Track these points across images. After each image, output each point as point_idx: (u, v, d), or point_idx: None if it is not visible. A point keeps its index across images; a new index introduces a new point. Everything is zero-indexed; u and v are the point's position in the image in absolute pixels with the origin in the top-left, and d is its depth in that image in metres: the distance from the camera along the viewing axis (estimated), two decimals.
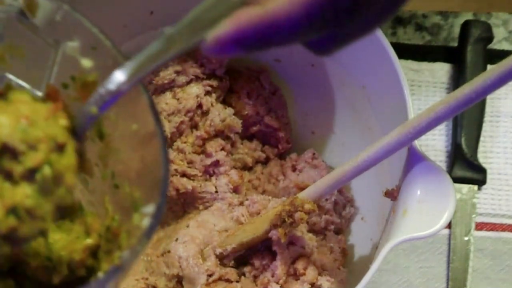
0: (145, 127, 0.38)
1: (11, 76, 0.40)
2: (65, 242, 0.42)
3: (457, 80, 0.68)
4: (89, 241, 0.42)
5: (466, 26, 0.68)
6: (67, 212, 0.41)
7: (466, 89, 0.42)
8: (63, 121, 0.37)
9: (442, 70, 0.69)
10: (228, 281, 0.58)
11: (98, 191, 0.44)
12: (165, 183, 0.38)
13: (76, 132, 0.38)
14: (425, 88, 0.69)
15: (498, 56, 0.68)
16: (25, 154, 0.35)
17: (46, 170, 0.36)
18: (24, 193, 0.35)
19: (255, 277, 0.59)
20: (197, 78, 0.63)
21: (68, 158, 0.37)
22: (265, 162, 0.66)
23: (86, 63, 0.39)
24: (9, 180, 0.35)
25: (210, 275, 0.58)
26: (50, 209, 0.37)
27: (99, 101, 0.36)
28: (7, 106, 0.36)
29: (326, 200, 0.61)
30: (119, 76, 0.36)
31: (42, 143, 0.36)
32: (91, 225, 0.42)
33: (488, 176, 0.66)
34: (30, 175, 0.35)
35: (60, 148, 0.36)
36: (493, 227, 0.66)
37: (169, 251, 0.59)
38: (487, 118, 0.68)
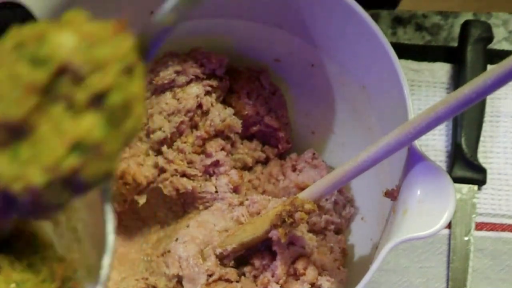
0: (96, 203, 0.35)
1: None
2: (32, 284, 0.38)
3: (457, 80, 0.68)
4: (53, 287, 0.39)
5: (466, 26, 0.68)
6: (39, 246, 0.38)
7: (466, 89, 0.42)
8: (130, 40, 0.32)
9: (442, 70, 0.69)
10: (228, 281, 0.58)
11: (65, 238, 0.42)
12: (104, 274, 0.33)
13: (144, 53, 0.33)
14: (425, 88, 0.69)
15: (498, 56, 0.68)
16: (90, 78, 0.30)
17: (116, 96, 0.31)
18: (90, 124, 0.30)
19: (255, 277, 0.59)
20: (197, 78, 0.63)
21: (137, 83, 0.31)
22: (265, 162, 0.66)
23: None
24: (71, 110, 0.30)
25: (210, 275, 0.58)
26: (118, 146, 0.31)
27: (175, 10, 0.33)
28: (65, 25, 0.31)
29: (326, 200, 0.61)
30: None
31: (110, 64, 0.30)
32: (56, 271, 0.39)
33: (488, 176, 0.66)
34: (96, 102, 0.30)
35: (129, 71, 0.31)
36: (493, 227, 0.66)
37: (169, 251, 0.59)
38: (487, 118, 0.68)
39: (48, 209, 0.31)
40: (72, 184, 0.31)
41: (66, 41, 0.30)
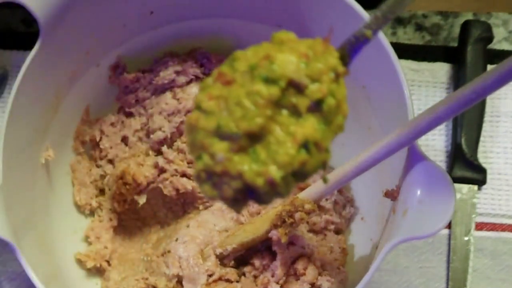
0: None
1: None
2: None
3: (457, 80, 0.68)
4: None
5: (466, 26, 0.68)
6: None
7: (466, 89, 0.42)
8: (336, 53, 0.38)
9: (442, 70, 0.69)
10: (228, 281, 0.58)
11: None
12: None
13: (346, 62, 0.39)
14: (425, 88, 0.69)
15: (498, 56, 0.68)
16: (309, 88, 0.37)
17: (331, 100, 0.37)
18: (311, 126, 0.37)
19: (255, 277, 0.59)
20: (197, 78, 0.63)
21: (342, 87, 0.38)
22: None
23: None
24: (294, 115, 0.37)
25: (210, 275, 0.58)
26: (331, 139, 0.38)
27: (373, 25, 0.39)
28: (281, 46, 0.38)
29: (326, 200, 0.61)
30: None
31: (324, 75, 0.37)
32: None
33: (488, 176, 0.66)
34: (315, 107, 0.37)
35: (337, 78, 0.38)
36: (493, 227, 0.66)
37: (169, 251, 0.59)
38: (487, 118, 0.68)
39: (278, 196, 0.38)
40: (297, 175, 0.37)
41: (290, 61, 0.37)
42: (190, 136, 0.38)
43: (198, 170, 0.38)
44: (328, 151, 0.38)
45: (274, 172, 0.37)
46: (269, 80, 0.37)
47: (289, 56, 0.37)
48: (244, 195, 0.38)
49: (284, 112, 0.37)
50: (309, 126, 0.37)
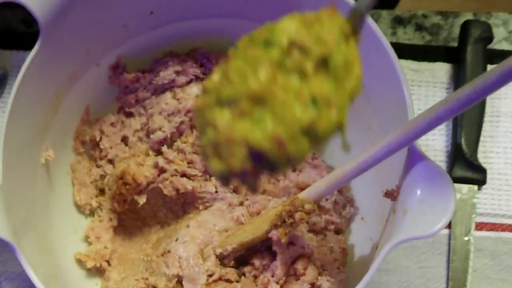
0: None
1: None
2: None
3: (457, 80, 0.68)
4: None
5: (466, 26, 0.68)
6: None
7: (466, 89, 0.42)
8: (342, 16, 0.38)
9: (442, 70, 0.69)
10: (228, 281, 0.58)
11: None
12: None
13: (356, 27, 0.39)
14: (425, 88, 0.69)
15: (498, 56, 0.68)
16: (314, 48, 0.36)
17: (338, 57, 0.37)
18: (319, 82, 0.36)
19: (255, 277, 0.59)
20: (197, 78, 0.63)
21: (353, 48, 0.38)
22: None
23: None
24: (304, 80, 0.36)
25: (210, 275, 0.58)
26: (346, 98, 0.37)
27: None
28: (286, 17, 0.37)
29: (326, 200, 0.61)
30: None
31: (330, 35, 0.37)
32: None
33: (488, 176, 0.66)
34: (322, 65, 0.36)
35: (346, 38, 0.37)
36: (493, 227, 0.66)
37: (169, 251, 0.59)
38: (487, 118, 0.68)
39: (291, 163, 0.37)
40: (309, 135, 0.36)
41: (289, 25, 0.36)
42: (197, 120, 0.38)
43: (203, 147, 0.37)
44: (343, 111, 0.37)
45: (281, 130, 0.35)
46: (268, 43, 0.36)
47: (288, 23, 0.37)
48: (253, 165, 0.36)
49: (294, 77, 0.36)
50: (317, 83, 0.36)
